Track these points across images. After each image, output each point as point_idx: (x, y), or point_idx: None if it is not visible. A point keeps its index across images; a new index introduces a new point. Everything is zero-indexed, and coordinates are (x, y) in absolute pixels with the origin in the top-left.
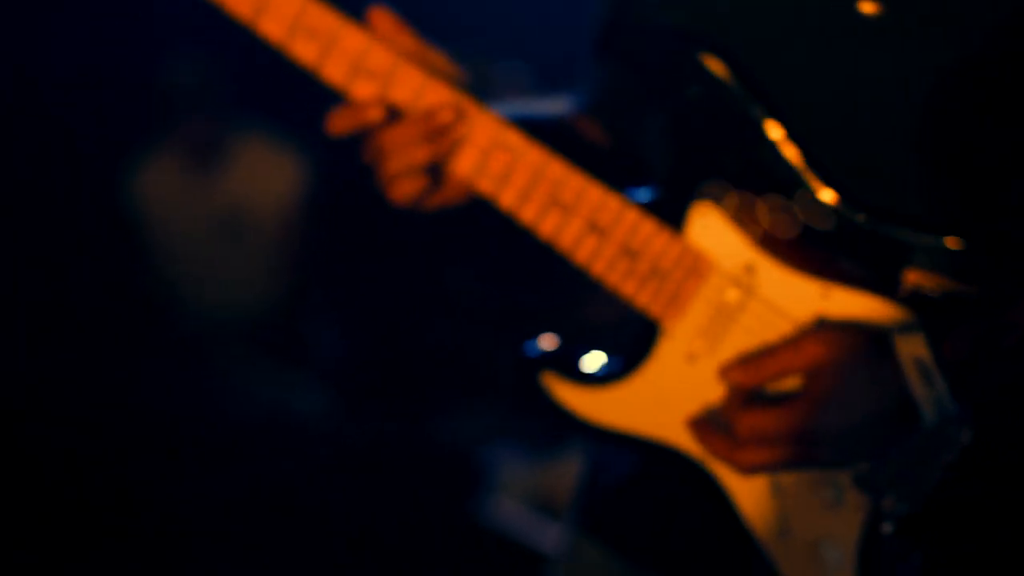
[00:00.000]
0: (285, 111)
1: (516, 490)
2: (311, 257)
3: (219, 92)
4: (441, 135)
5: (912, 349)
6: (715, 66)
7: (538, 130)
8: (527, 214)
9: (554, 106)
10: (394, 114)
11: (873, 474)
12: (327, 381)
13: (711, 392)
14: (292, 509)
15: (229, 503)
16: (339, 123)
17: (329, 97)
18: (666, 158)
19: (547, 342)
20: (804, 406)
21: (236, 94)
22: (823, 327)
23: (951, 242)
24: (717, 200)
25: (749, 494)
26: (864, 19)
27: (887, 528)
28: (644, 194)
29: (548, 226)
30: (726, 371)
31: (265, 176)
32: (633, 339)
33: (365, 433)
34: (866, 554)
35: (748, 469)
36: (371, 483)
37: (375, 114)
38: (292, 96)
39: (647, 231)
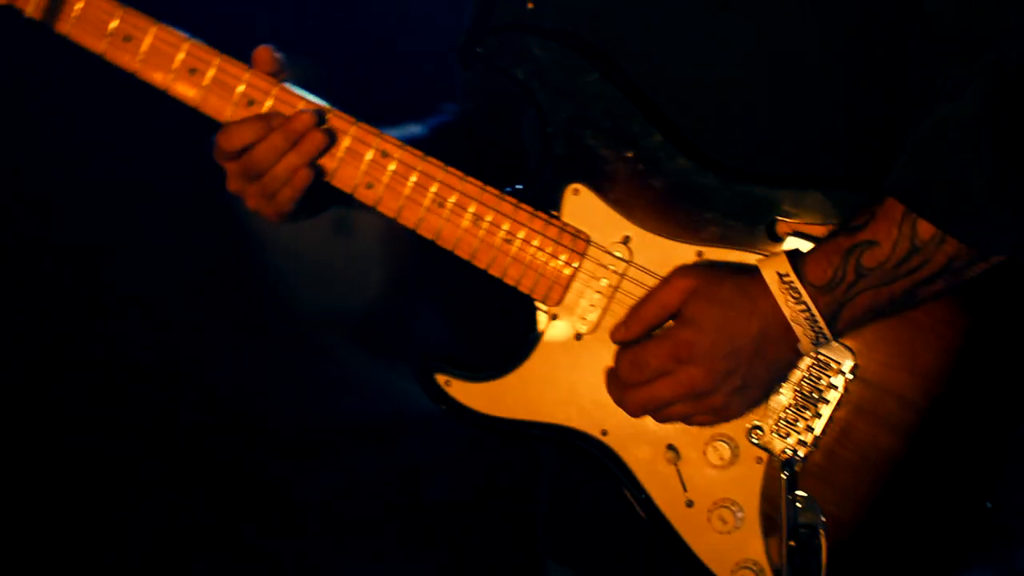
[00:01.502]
0: (392, 108)
1: None
2: (421, 250)
3: (330, 91)
4: (305, 139)
5: (775, 267)
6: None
7: (416, 140)
8: (408, 216)
9: (433, 120)
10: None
11: (764, 420)
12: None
13: (599, 368)
14: (418, 503)
15: (355, 497)
16: (234, 138)
17: (427, 94)
18: (536, 150)
19: (440, 345)
20: (677, 329)
21: (346, 92)
22: (688, 266)
23: (811, 193)
24: (587, 181)
25: (646, 465)
26: None
27: (785, 475)
28: (519, 186)
29: (429, 225)
30: (613, 334)
31: None
32: (520, 328)
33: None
34: (768, 506)
35: (636, 407)
36: (491, 476)
37: (256, 129)
38: (399, 93)
39: (523, 217)
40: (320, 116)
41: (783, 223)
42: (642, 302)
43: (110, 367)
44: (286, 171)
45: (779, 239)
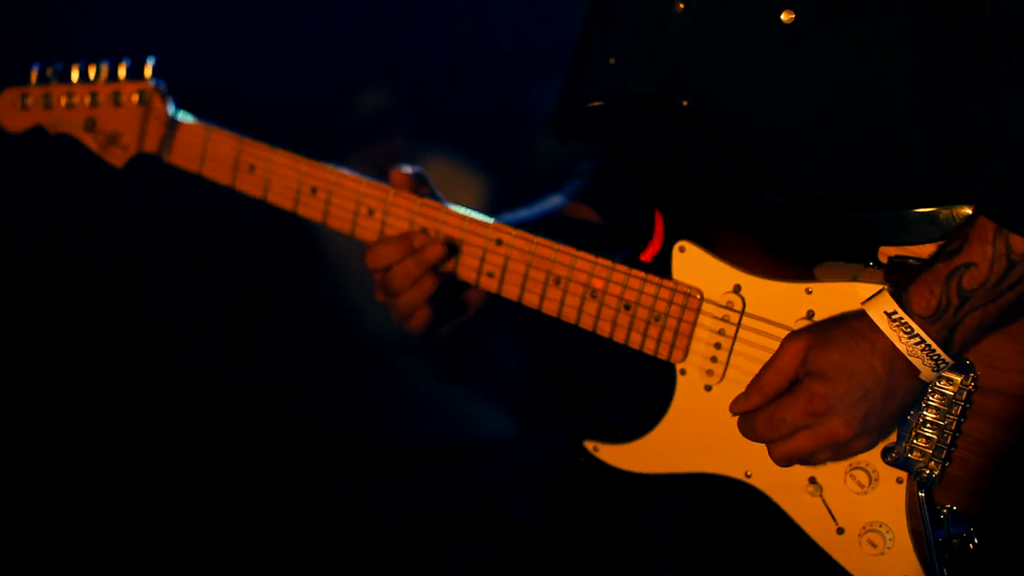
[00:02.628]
0: (465, 135)
1: None
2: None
3: (405, 118)
4: (434, 264)
5: (882, 306)
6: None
7: (529, 226)
8: (530, 298)
9: (544, 205)
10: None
11: (897, 442)
12: (505, 398)
13: (733, 415)
14: (476, 523)
15: (432, 519)
16: (379, 257)
17: (496, 124)
18: (637, 214)
19: (582, 413)
20: (808, 383)
21: (421, 120)
22: (796, 330)
23: (907, 213)
24: (691, 237)
25: (793, 500)
26: (784, 28)
27: (922, 493)
28: (626, 252)
29: (551, 303)
30: (734, 406)
31: (447, 194)
32: (653, 388)
33: (546, 450)
34: (916, 522)
35: (784, 459)
36: (553, 499)
37: (397, 251)
38: (470, 120)
39: (636, 283)
40: (451, 246)
41: (885, 248)
42: (761, 372)
43: (195, 384)
44: (417, 295)
45: (883, 264)
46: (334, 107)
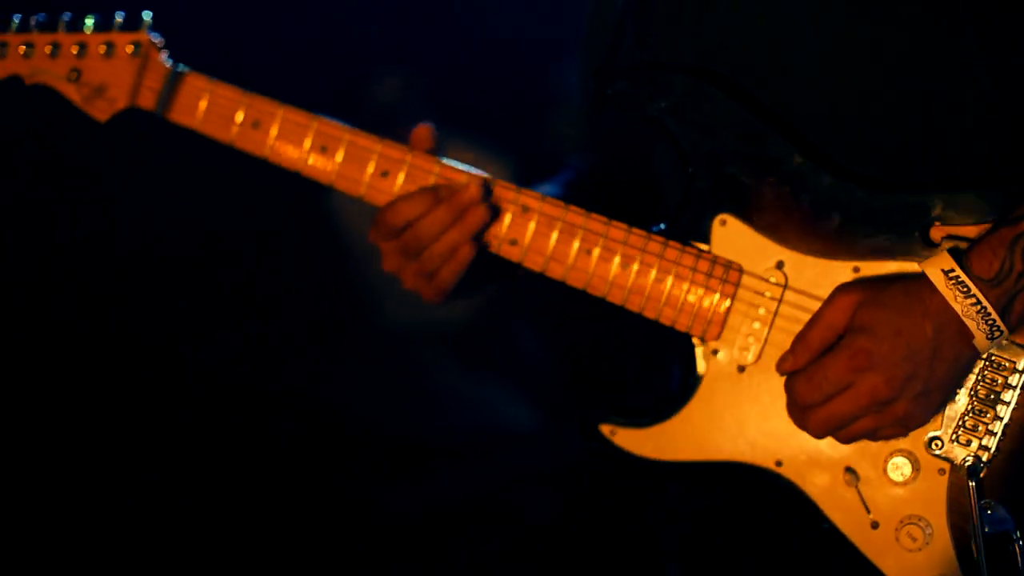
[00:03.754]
0: (480, 122)
1: None
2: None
3: (419, 107)
4: (469, 212)
5: (940, 264)
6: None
7: (558, 195)
8: (555, 269)
9: (563, 176)
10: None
11: (943, 429)
12: (529, 390)
13: (766, 399)
14: (496, 518)
15: (450, 512)
16: (401, 212)
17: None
18: (674, 186)
19: (599, 396)
20: (851, 338)
21: (434, 108)
22: (849, 282)
23: (962, 195)
24: (733, 211)
25: (826, 491)
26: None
27: (972, 483)
28: (663, 225)
29: (578, 273)
30: (780, 365)
31: None
32: (681, 369)
33: (569, 443)
34: (957, 516)
35: (820, 427)
36: (575, 494)
37: (423, 203)
38: (488, 107)
39: (673, 254)
40: (487, 188)
41: (937, 228)
42: (807, 327)
43: (206, 379)
44: (448, 247)
45: (935, 244)
46: (344, 96)
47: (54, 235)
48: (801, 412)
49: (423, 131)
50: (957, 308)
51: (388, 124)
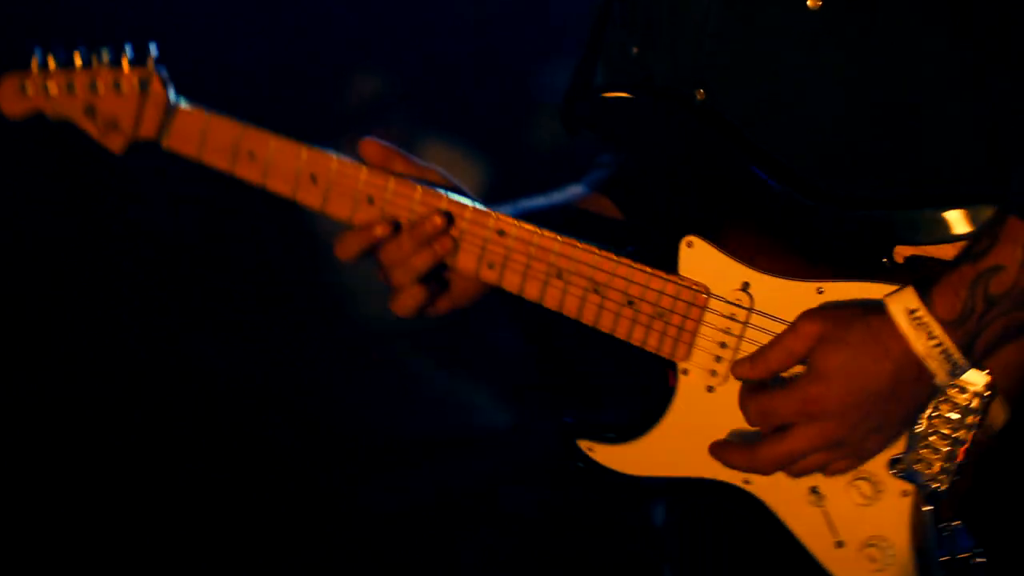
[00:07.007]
0: (463, 122)
1: None
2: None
3: (401, 105)
4: (435, 239)
5: (904, 303)
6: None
7: (540, 215)
8: (531, 291)
9: (560, 195)
10: (396, 228)
11: (905, 452)
12: (505, 384)
13: (734, 417)
14: (477, 515)
15: (431, 510)
16: (347, 247)
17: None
18: (645, 207)
19: (578, 410)
20: (806, 383)
21: (417, 106)
22: (815, 310)
23: (926, 212)
24: (699, 232)
25: (792, 509)
26: (811, 15)
27: (929, 507)
28: (631, 248)
29: (553, 296)
30: (734, 368)
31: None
32: (653, 387)
33: (545, 438)
34: (919, 538)
35: (768, 465)
36: (553, 492)
37: (380, 231)
38: (471, 106)
39: (642, 278)
40: (448, 217)
41: (901, 247)
42: (770, 346)
43: (189, 379)
44: (408, 275)
45: (899, 264)
46: (327, 94)
47: (54, 235)
48: (750, 451)
49: (371, 145)
50: (919, 350)
51: (373, 118)
